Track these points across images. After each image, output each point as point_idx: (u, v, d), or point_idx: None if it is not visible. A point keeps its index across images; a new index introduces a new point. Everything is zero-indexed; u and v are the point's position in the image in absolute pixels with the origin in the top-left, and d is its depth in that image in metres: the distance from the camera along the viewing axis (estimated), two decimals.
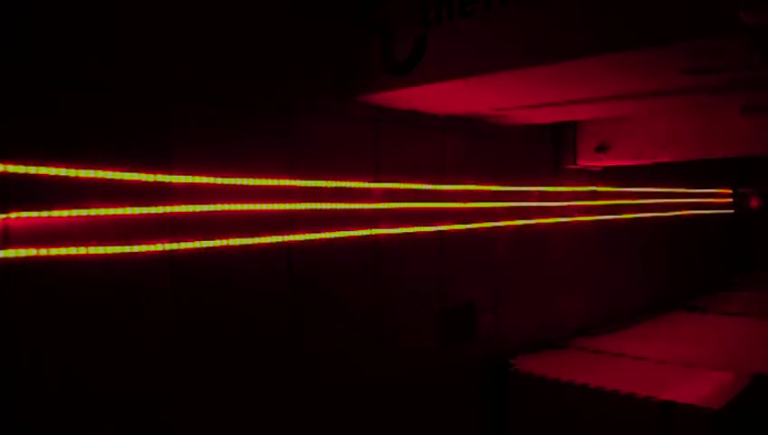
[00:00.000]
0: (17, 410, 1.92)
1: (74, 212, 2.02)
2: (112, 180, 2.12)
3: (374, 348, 3.10)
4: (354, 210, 2.98)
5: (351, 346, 2.99)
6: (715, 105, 3.75)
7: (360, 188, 3.02)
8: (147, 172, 2.21)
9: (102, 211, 2.09)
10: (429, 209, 3.41)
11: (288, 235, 2.69)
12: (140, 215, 2.19)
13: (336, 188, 2.90)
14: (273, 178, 2.63)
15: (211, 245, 2.40)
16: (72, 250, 2.02)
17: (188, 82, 2.36)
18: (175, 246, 2.29)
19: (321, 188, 2.83)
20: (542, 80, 2.59)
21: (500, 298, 3.96)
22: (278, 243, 2.65)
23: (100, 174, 2.08)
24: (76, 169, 2.02)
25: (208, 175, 2.40)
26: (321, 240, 2.82)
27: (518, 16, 2.32)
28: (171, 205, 2.28)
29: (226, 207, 2.45)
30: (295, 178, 2.72)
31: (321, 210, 2.82)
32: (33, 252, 1.93)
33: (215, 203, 2.42)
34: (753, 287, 6.71)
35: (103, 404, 2.12)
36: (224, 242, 2.44)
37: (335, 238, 2.88)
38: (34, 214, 1.94)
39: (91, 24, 2.08)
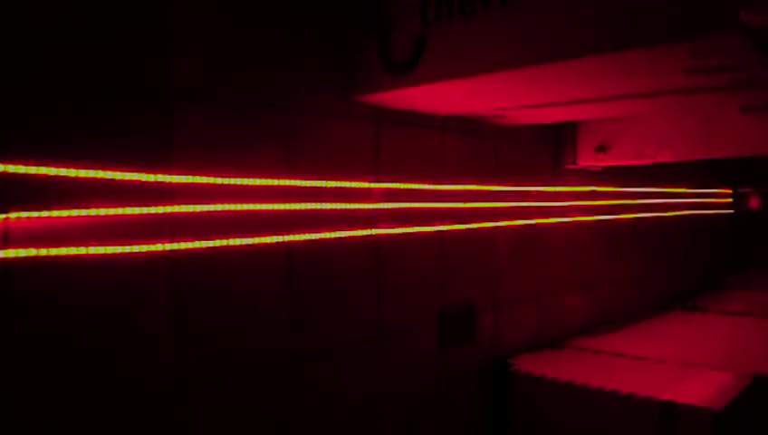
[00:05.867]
0: (15, 411, 1.92)
1: (74, 212, 2.02)
2: (112, 180, 2.12)
3: (374, 348, 3.11)
4: (354, 210, 2.98)
5: (351, 346, 2.99)
6: (716, 105, 3.75)
7: (359, 188, 3.02)
8: (147, 172, 2.21)
9: (102, 211, 2.09)
10: (429, 209, 3.41)
11: (288, 235, 2.69)
12: (140, 215, 2.19)
13: (336, 188, 2.90)
14: (273, 178, 2.63)
15: (211, 245, 2.40)
16: (72, 250, 2.02)
17: (189, 81, 2.36)
18: (175, 246, 2.30)
19: (321, 188, 2.83)
20: (543, 80, 2.60)
21: (500, 298, 3.96)
22: (278, 243, 2.65)
23: (100, 174, 2.08)
24: (76, 169, 2.02)
25: (208, 175, 2.40)
26: (321, 240, 2.82)
27: (518, 16, 2.32)
28: (171, 205, 2.28)
29: (226, 207, 2.46)
30: (295, 178, 2.72)
31: (321, 210, 2.82)
32: (33, 252, 1.93)
33: (215, 203, 2.42)
34: (753, 287, 6.71)
35: (102, 404, 2.11)
36: (224, 242, 2.44)
37: (335, 238, 2.88)
38: (34, 214, 1.94)
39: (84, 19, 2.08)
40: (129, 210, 2.16)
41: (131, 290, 2.19)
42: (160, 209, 2.25)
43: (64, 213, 2.00)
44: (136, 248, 2.18)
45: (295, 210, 2.72)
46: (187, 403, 2.35)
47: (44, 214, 1.96)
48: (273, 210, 2.63)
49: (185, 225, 2.33)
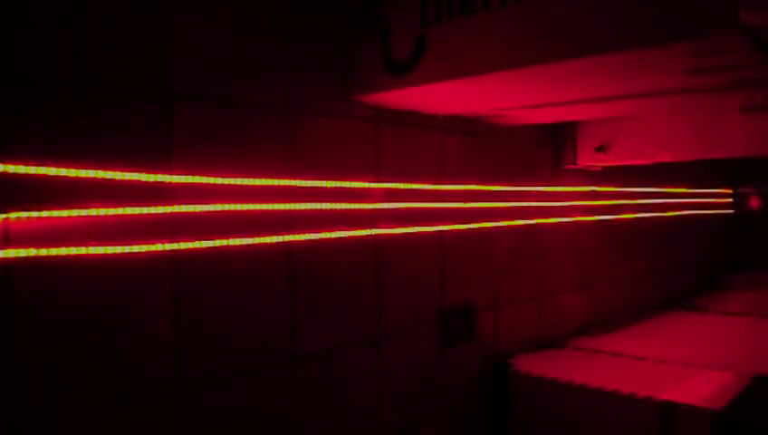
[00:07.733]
0: (15, 411, 1.92)
1: (74, 212, 2.02)
2: (112, 180, 2.12)
3: (374, 348, 3.11)
4: (354, 210, 2.98)
5: (351, 346, 2.99)
6: (716, 105, 3.76)
7: (360, 188, 3.02)
8: (147, 172, 2.21)
9: (102, 211, 2.09)
10: (429, 209, 3.41)
11: (288, 235, 2.69)
12: (140, 215, 2.19)
13: (336, 188, 2.90)
14: (273, 178, 2.63)
15: (211, 245, 2.40)
16: (72, 250, 2.02)
17: (189, 81, 2.36)
18: (175, 246, 2.30)
19: (321, 188, 2.83)
20: (543, 80, 2.59)
21: (500, 298, 3.96)
22: (278, 243, 2.65)
23: (100, 174, 2.08)
24: (76, 169, 2.02)
25: (208, 175, 2.40)
26: (321, 240, 2.82)
27: (518, 16, 2.32)
28: (171, 205, 2.28)
29: (226, 207, 2.45)
30: (295, 178, 2.72)
31: (321, 210, 2.82)
32: (33, 252, 1.93)
33: (215, 203, 2.42)
34: (752, 287, 6.71)
35: (101, 404, 2.11)
36: (224, 242, 2.44)
37: (335, 238, 2.88)
38: (34, 214, 1.94)
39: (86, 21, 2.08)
40: (128, 210, 2.16)
41: (131, 290, 2.19)
42: (160, 209, 2.25)
43: (64, 213, 2.00)
44: (136, 248, 2.18)
45: (295, 210, 2.72)
46: (187, 404, 2.34)
47: (44, 214, 1.96)
48: (273, 210, 2.63)
49: (185, 225, 2.33)
